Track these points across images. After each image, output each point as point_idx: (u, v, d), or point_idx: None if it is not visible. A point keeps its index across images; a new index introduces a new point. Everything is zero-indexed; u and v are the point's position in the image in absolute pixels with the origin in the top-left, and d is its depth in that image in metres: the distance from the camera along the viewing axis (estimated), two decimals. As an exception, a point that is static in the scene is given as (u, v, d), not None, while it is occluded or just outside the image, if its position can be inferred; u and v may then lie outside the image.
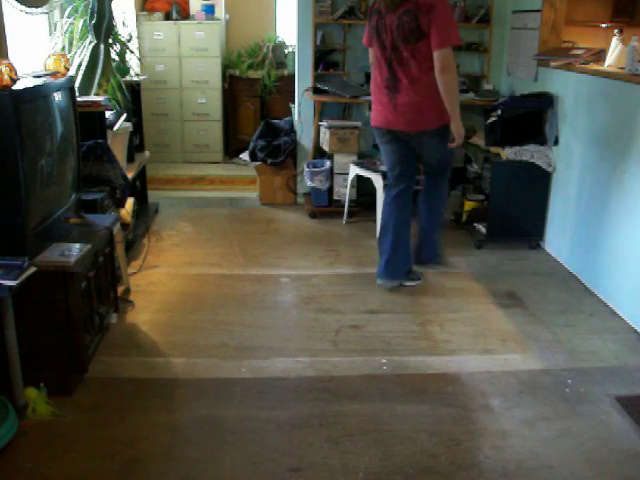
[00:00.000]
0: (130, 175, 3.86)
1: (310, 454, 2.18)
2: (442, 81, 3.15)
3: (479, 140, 4.34)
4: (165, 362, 2.75)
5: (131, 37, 4.69)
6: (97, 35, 3.71)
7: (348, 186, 4.57)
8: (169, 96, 6.26)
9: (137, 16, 5.97)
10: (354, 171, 4.47)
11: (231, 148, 6.56)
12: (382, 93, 3.34)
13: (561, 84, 3.92)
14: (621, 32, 3.68)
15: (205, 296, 3.39)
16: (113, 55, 4.10)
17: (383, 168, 4.29)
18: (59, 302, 2.39)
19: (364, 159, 4.64)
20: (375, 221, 4.33)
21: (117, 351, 2.82)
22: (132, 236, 3.86)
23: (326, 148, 4.65)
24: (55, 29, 4.02)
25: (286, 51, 6.47)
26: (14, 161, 2.21)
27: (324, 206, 4.75)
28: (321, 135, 4.78)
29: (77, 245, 2.51)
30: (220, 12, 6.34)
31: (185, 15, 6.30)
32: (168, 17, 6.19)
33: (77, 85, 3.53)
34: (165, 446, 2.20)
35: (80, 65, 3.68)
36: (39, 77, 2.69)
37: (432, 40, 3.11)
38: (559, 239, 3.96)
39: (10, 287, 2.08)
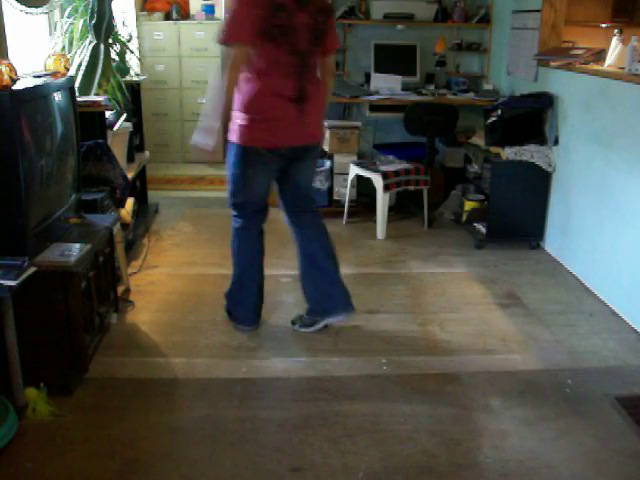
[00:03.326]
0: (130, 175, 3.86)
1: (310, 454, 2.18)
2: (331, 87, 2.94)
3: (479, 140, 4.34)
4: (165, 362, 2.75)
5: (131, 37, 4.69)
6: (97, 35, 3.71)
7: (348, 186, 4.57)
8: (169, 96, 6.26)
9: (137, 16, 5.97)
10: (354, 171, 4.47)
11: (231, 148, 6.55)
12: (286, 106, 2.67)
13: (561, 84, 3.92)
14: (621, 32, 3.69)
15: (205, 296, 3.39)
16: (113, 55, 4.10)
17: (383, 168, 4.31)
18: (59, 302, 2.39)
19: (364, 159, 4.64)
20: (375, 221, 4.33)
21: (117, 351, 2.82)
22: (132, 236, 3.86)
23: (326, 148, 4.65)
24: (55, 29, 4.02)
25: (286, 51, 6.45)
26: (14, 161, 2.21)
27: (324, 206, 4.74)
28: (321, 135, 4.77)
29: (77, 245, 2.51)
30: (220, 12, 6.34)
31: (185, 15, 6.30)
32: (168, 17, 6.19)
33: (77, 85, 3.53)
34: (165, 446, 2.20)
35: (80, 65, 3.68)
36: (39, 77, 2.70)
37: (330, 42, 2.79)
38: (559, 239, 3.96)
39: (10, 287, 2.08)
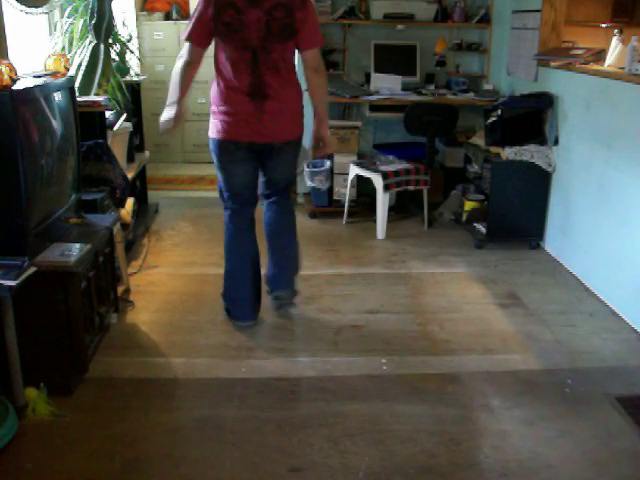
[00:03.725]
0: (130, 175, 3.86)
1: (310, 454, 2.18)
2: (317, 83, 2.90)
3: (479, 140, 4.34)
4: (165, 362, 2.75)
5: (131, 37, 4.69)
6: (97, 35, 3.71)
7: (348, 186, 4.57)
8: (169, 96, 6.25)
9: (137, 16, 5.97)
10: (354, 171, 4.47)
11: (231, 148, 6.55)
12: (242, 101, 2.76)
13: (561, 84, 3.92)
14: (621, 32, 3.68)
15: (205, 296, 3.39)
16: (113, 55, 4.10)
17: (383, 168, 4.31)
18: (59, 302, 2.39)
19: (364, 159, 4.64)
20: (375, 221, 4.33)
21: (117, 351, 2.82)
22: (132, 236, 3.86)
23: (326, 148, 4.64)
24: (55, 29, 4.02)
25: (286, 51, 6.46)
26: (14, 161, 2.21)
27: (324, 206, 4.74)
28: (321, 135, 4.77)
29: (77, 245, 2.51)
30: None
31: (185, 15, 6.28)
32: (168, 17, 6.19)
33: (77, 85, 3.53)
34: (165, 446, 2.20)
35: (80, 65, 3.68)
36: (39, 77, 2.70)
37: (304, 38, 2.77)
38: (559, 239, 3.96)
39: (10, 287, 2.08)
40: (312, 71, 2.90)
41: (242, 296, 3.05)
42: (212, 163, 3.02)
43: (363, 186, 4.62)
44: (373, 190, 4.32)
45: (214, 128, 2.89)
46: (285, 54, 2.80)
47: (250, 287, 3.04)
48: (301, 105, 2.95)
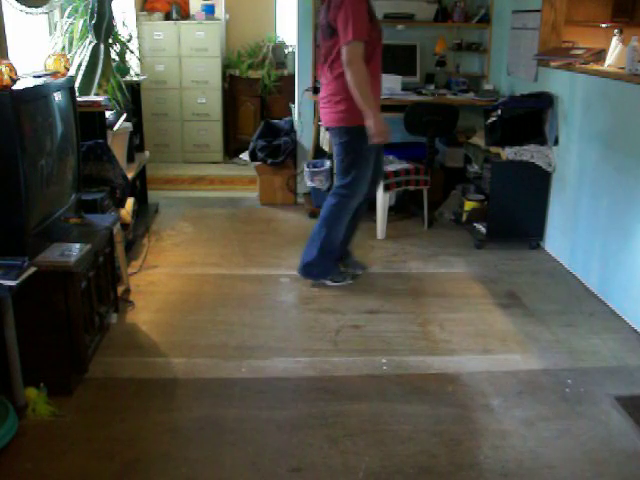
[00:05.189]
0: (130, 175, 3.86)
1: (310, 454, 2.18)
2: (347, 75, 3.09)
3: (479, 140, 4.34)
4: (165, 362, 2.75)
5: (131, 37, 4.69)
6: (97, 35, 3.71)
7: (348, 186, 4.56)
8: (169, 96, 6.26)
9: (137, 16, 5.97)
10: (354, 171, 4.46)
11: (231, 148, 6.56)
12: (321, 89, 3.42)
13: (561, 84, 3.92)
14: (621, 32, 3.68)
15: (205, 296, 3.39)
16: (113, 55, 4.10)
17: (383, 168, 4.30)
18: (59, 302, 2.39)
19: (364, 159, 4.63)
20: (375, 221, 4.33)
21: (117, 351, 2.82)
22: (132, 236, 3.86)
23: (326, 148, 4.65)
24: (55, 29, 4.02)
25: (286, 51, 6.47)
26: (14, 161, 2.21)
27: (324, 206, 4.74)
28: (321, 135, 4.77)
29: (77, 245, 2.51)
30: (220, 12, 6.35)
31: (185, 15, 6.30)
32: (168, 17, 6.19)
33: (77, 85, 3.53)
34: (165, 446, 2.20)
35: (80, 65, 3.68)
36: (39, 77, 2.69)
37: (339, 35, 3.09)
38: (559, 239, 3.96)
39: (10, 287, 2.08)
40: (344, 65, 3.11)
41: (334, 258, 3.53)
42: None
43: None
44: (373, 190, 4.31)
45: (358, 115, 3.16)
46: (331, 50, 3.17)
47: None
48: (339, 97, 3.21)
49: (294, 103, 5.09)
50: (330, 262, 3.49)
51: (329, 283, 3.51)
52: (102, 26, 3.73)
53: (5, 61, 2.33)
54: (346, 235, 3.54)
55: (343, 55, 3.08)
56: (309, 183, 4.71)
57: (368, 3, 3.15)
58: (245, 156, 5.28)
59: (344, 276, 3.55)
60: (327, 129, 3.37)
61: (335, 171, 3.44)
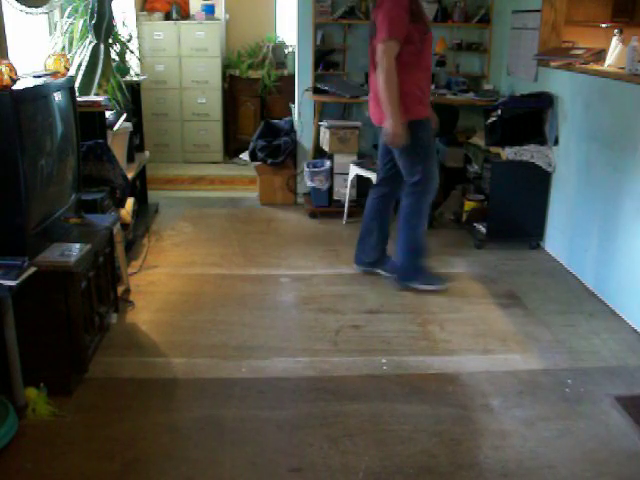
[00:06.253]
0: (130, 175, 3.86)
1: (310, 454, 2.18)
2: (377, 73, 3.16)
3: (479, 140, 4.34)
4: (165, 362, 2.75)
5: (131, 37, 4.69)
6: (97, 35, 3.71)
7: (348, 186, 4.57)
8: (169, 96, 6.26)
9: (137, 16, 5.97)
10: (354, 171, 4.47)
11: (231, 148, 6.55)
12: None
13: (561, 84, 3.92)
14: (621, 32, 3.68)
15: (205, 296, 3.39)
16: (113, 55, 4.10)
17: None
18: (59, 302, 2.39)
19: (364, 159, 4.64)
20: (375, 221, 4.33)
21: (117, 351, 2.82)
22: (132, 236, 3.86)
23: (326, 148, 4.65)
24: (55, 29, 4.02)
25: (286, 51, 6.47)
26: (14, 161, 2.21)
27: (324, 206, 4.74)
28: (321, 135, 4.78)
29: (77, 245, 2.51)
30: (220, 12, 6.35)
31: (185, 15, 6.30)
32: (168, 17, 6.19)
33: (77, 85, 3.53)
34: (165, 446, 2.20)
35: (80, 65, 3.68)
36: (39, 77, 2.69)
37: (377, 33, 3.16)
38: (559, 239, 3.96)
39: (10, 287, 2.08)
40: (377, 64, 3.17)
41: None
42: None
43: (363, 186, 4.62)
44: (373, 190, 4.31)
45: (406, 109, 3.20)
46: (374, 48, 3.21)
47: (361, 230, 3.69)
48: (381, 95, 3.21)
49: (294, 103, 5.09)
50: (421, 262, 3.50)
51: (423, 287, 3.47)
52: (102, 26, 3.74)
53: (5, 61, 2.33)
54: (380, 238, 3.60)
55: (377, 52, 3.14)
56: (309, 183, 4.71)
57: (413, 4, 3.16)
58: (245, 156, 5.28)
59: (439, 279, 3.52)
60: (380, 128, 3.37)
61: (402, 171, 3.41)
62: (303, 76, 4.91)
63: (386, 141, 3.27)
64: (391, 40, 3.09)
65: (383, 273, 3.63)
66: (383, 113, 3.25)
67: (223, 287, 3.51)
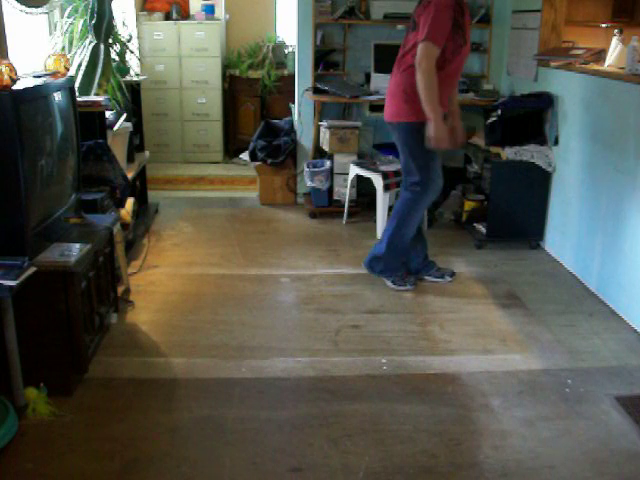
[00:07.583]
0: (130, 175, 3.86)
1: (310, 454, 2.18)
2: (417, 75, 3.13)
3: (479, 140, 4.34)
4: (165, 362, 2.75)
5: (131, 37, 4.68)
6: (97, 35, 3.71)
7: (348, 186, 4.57)
8: (169, 96, 6.26)
9: (137, 16, 5.97)
10: (354, 171, 4.47)
11: (231, 148, 6.56)
12: None
13: (561, 84, 3.92)
14: (621, 32, 3.68)
15: (205, 296, 3.39)
16: (113, 55, 4.10)
17: (383, 168, 4.31)
18: (59, 302, 2.39)
19: (364, 159, 4.64)
20: (375, 221, 4.33)
21: (117, 351, 2.82)
22: (132, 236, 3.86)
23: (326, 148, 4.65)
24: (55, 29, 4.02)
25: (286, 51, 6.47)
26: (14, 161, 2.21)
27: (324, 206, 4.74)
28: (321, 135, 4.78)
29: (77, 245, 2.51)
30: (220, 12, 6.35)
31: (185, 15, 6.30)
32: (168, 17, 6.19)
33: (77, 85, 3.53)
34: (165, 446, 2.21)
35: (80, 65, 3.68)
36: (39, 77, 2.69)
37: (418, 32, 3.15)
38: (559, 239, 3.96)
39: (10, 287, 2.08)
40: (416, 64, 3.13)
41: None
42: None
43: (363, 186, 4.62)
44: (373, 190, 4.32)
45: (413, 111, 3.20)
46: (407, 43, 3.25)
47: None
48: (402, 92, 3.23)
49: (294, 103, 5.09)
50: (396, 261, 3.50)
51: (389, 284, 3.51)
52: (102, 26, 3.74)
53: (5, 61, 2.33)
54: (420, 246, 3.58)
55: (417, 52, 3.12)
56: (309, 183, 4.71)
57: (458, 14, 3.15)
58: (245, 156, 5.28)
59: (406, 281, 3.51)
60: (389, 123, 3.36)
61: (402, 170, 3.45)
62: (303, 76, 4.90)
63: (429, 144, 3.20)
64: (433, 43, 3.08)
65: (431, 279, 3.60)
66: (394, 109, 3.28)
67: (223, 287, 3.51)
